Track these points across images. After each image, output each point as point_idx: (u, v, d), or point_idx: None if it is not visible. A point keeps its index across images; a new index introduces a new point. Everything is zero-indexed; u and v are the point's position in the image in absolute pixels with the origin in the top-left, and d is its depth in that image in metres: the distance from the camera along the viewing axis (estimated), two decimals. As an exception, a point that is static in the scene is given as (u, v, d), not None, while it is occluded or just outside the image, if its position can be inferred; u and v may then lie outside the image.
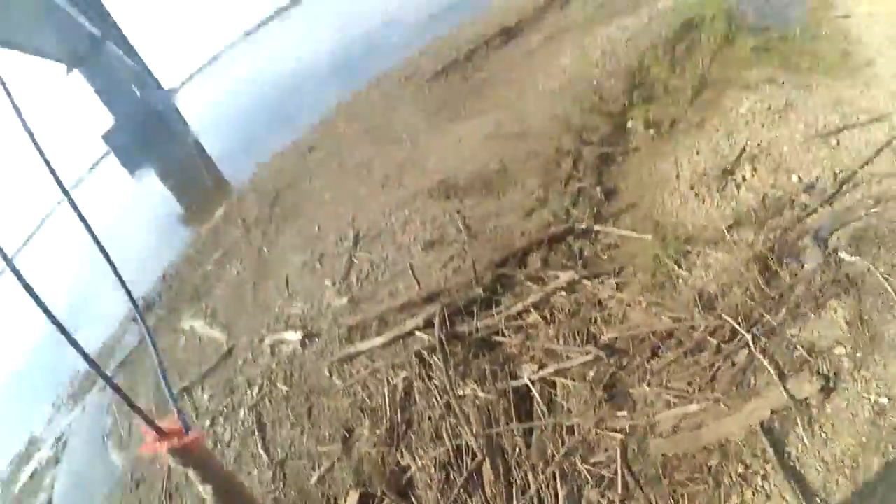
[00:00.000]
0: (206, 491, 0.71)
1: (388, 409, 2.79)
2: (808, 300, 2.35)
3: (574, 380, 2.41)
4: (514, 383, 2.52)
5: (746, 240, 2.58)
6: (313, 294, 4.42)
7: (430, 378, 2.71)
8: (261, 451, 3.25)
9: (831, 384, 2.27)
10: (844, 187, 2.59)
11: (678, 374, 2.36)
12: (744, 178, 2.99)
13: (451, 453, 2.51)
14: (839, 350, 2.33)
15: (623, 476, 2.31)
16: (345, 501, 2.65)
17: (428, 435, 2.59)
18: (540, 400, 2.44)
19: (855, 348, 2.31)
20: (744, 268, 2.44)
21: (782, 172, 2.75)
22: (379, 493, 2.57)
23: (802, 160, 2.76)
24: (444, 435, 2.56)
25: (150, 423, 0.74)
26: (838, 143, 2.76)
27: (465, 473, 2.46)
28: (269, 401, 3.68)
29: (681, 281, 2.56)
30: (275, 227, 6.01)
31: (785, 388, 2.26)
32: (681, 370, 2.37)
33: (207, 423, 3.91)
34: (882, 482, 2.18)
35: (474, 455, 2.47)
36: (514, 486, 2.42)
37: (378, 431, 2.76)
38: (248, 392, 3.89)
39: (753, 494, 2.26)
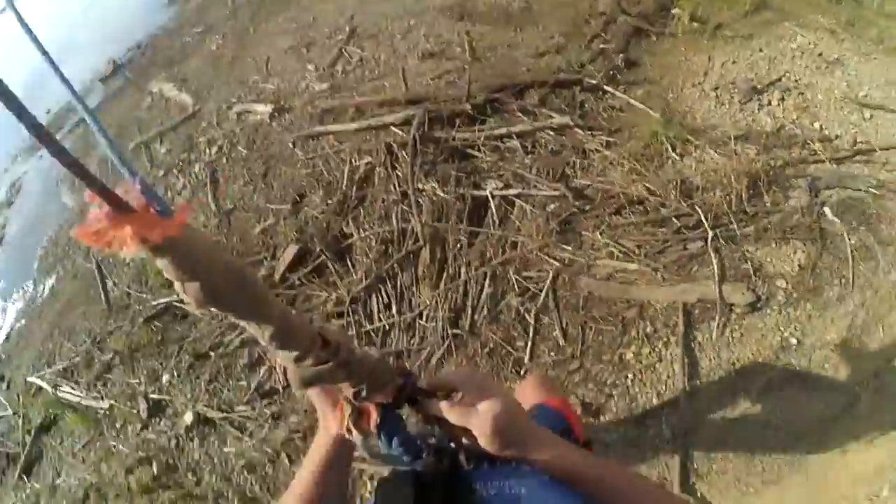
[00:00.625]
0: (188, 290, 0.43)
1: (344, 184, 2.73)
2: (777, 230, 2.40)
3: (534, 207, 2.40)
4: (475, 192, 2.50)
5: (748, 154, 2.53)
6: (293, 75, 4.15)
7: (393, 168, 2.64)
8: (210, 202, 3.19)
9: (759, 305, 2.40)
10: (858, 157, 2.53)
11: (632, 236, 2.41)
12: (769, 103, 2.88)
13: (395, 233, 2.56)
14: (780, 283, 2.42)
15: (547, 295, 2.40)
16: (283, 252, 2.69)
17: (377, 214, 2.61)
18: (495, 213, 2.44)
19: (794, 289, 2.40)
20: (734, 176, 2.41)
21: (807, 115, 2.66)
22: (317, 251, 2.62)
23: (831, 115, 2.67)
24: (393, 217, 2.60)
25: (103, 191, 0.35)
26: (871, 118, 2.67)
27: (403, 252, 2.53)
28: (227, 160, 3.57)
29: (670, 161, 2.52)
30: (266, 11, 5.45)
31: (720, 287, 2.35)
32: (636, 234, 2.41)
33: (161, 173, 3.80)
34: (751, 398, 2.38)
35: (417, 240, 2.53)
36: (445, 272, 2.52)
37: (329, 201, 2.74)
38: (207, 150, 3.74)
39: (650, 352, 2.42)
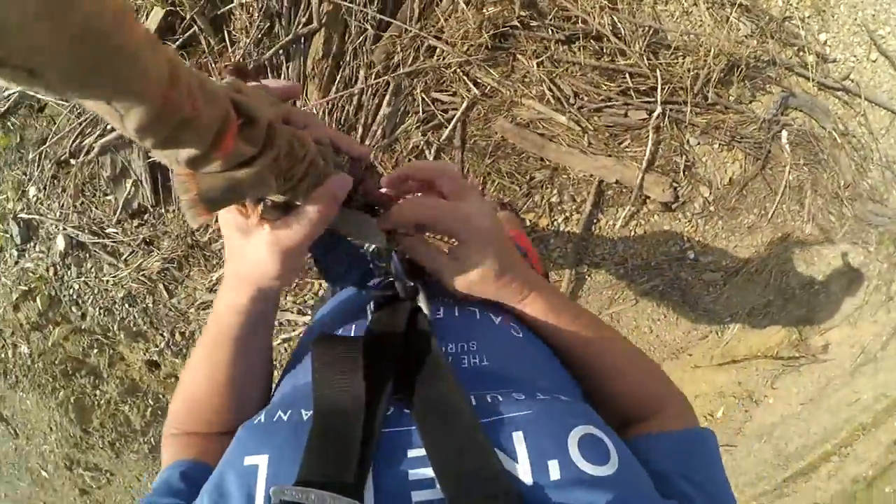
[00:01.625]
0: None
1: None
2: (727, 132, 2.11)
3: (468, 5, 1.87)
4: (398, -40, 1.89)
5: (740, 31, 2.09)
6: None
7: None
8: None
9: (673, 206, 2.19)
10: (840, 94, 2.17)
11: (572, 80, 1.99)
12: None
13: (285, 5, 1.95)
14: (704, 190, 2.21)
15: (454, 128, 2.01)
16: (145, 18, 2.06)
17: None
18: (416, 4, 1.87)
19: (715, 202, 2.22)
20: (714, 50, 1.97)
21: (819, 20, 2.22)
22: (188, 18, 2.01)
23: (841, 35, 2.24)
24: None
25: None
26: (875, 61, 2.24)
27: (292, 34, 1.96)
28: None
29: (650, 2, 2.00)
30: None
31: (642, 176, 2.05)
32: (579, 79, 1.99)
33: None
34: (631, 298, 2.39)
35: (310, 22, 1.95)
36: (340, 73, 2.01)
37: None
38: None
39: (548, 224, 2.16)
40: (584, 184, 2.11)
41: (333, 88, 2.01)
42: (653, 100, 2.00)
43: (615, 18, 1.91)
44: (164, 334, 2.45)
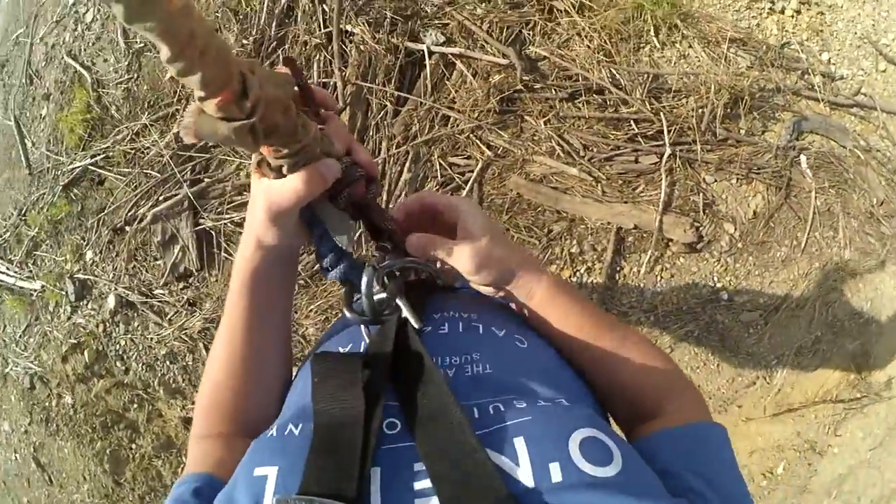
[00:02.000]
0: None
1: (263, 19, 2.22)
2: (742, 165, 2.08)
3: (475, 75, 2.00)
4: (411, 45, 2.05)
5: (739, 65, 2.12)
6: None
7: (321, 1, 2.13)
8: (119, 39, 2.66)
9: (699, 246, 2.13)
10: (855, 109, 2.16)
11: (580, 133, 2.05)
12: (782, 11, 2.40)
13: None
14: (729, 227, 2.15)
15: (471, 189, 2.11)
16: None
17: (297, 61, 2.10)
18: (430, 75, 2.02)
19: (742, 238, 2.14)
20: (714, 87, 2.02)
21: (819, 40, 2.23)
22: None
23: (844, 51, 2.25)
24: (315, 67, 2.19)
25: None
26: (885, 71, 2.23)
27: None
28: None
29: (648, 48, 2.09)
30: None
31: (662, 217, 2.05)
32: (585, 132, 2.06)
33: (71, 1, 3.10)
34: (666, 346, 2.25)
35: (337, 102, 2.09)
36: (364, 146, 2.09)
37: (245, 41, 2.27)
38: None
39: (570, 276, 2.14)
40: (602, 232, 2.12)
41: None
42: (661, 143, 2.04)
43: (613, 71, 2.00)
44: None
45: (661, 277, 2.17)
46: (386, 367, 0.51)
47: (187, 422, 2.61)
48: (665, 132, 2.02)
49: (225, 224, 2.37)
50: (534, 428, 0.44)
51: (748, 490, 0.51)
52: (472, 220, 0.60)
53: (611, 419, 0.66)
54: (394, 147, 2.13)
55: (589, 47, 1.97)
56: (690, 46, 2.08)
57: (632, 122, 2.03)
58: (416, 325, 0.56)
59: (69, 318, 2.75)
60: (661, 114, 2.02)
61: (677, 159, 2.06)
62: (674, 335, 2.22)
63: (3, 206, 3.01)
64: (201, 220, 2.39)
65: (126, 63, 2.64)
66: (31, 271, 2.90)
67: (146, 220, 2.42)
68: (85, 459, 2.82)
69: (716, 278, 2.17)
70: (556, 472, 0.40)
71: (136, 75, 2.61)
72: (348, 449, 0.42)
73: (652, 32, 2.01)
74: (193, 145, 2.36)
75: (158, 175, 2.41)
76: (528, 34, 2.01)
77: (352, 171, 0.57)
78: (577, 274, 2.14)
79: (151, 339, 2.53)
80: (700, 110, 2.03)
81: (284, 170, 0.49)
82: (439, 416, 0.44)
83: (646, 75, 2.01)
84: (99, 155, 2.55)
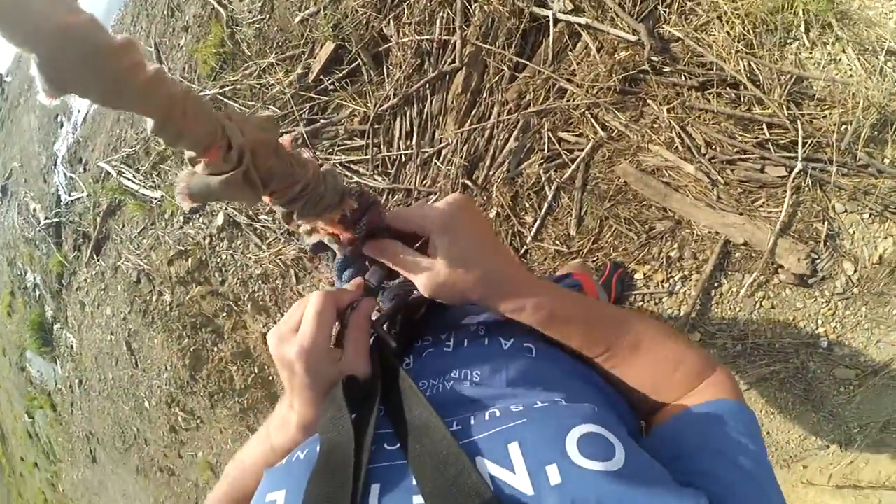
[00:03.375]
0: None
1: (388, -27, 2.25)
2: (879, 200, 1.83)
3: (601, 49, 1.90)
4: (537, 10, 1.99)
5: (894, 82, 1.89)
6: None
7: (446, -41, 2.14)
8: None
9: (809, 281, 1.92)
10: None
11: (704, 129, 1.90)
12: None
13: (434, 46, 2.19)
14: (848, 267, 1.91)
15: (577, 169, 2.03)
16: (320, 50, 2.47)
17: (420, 17, 2.23)
18: (552, 44, 1.94)
19: (860, 282, 1.89)
20: (864, 103, 1.81)
21: None
22: (353, 52, 2.35)
23: None
24: (436, 25, 2.17)
25: None
26: None
27: (437, 71, 2.18)
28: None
29: (795, 45, 1.87)
30: None
31: (777, 239, 1.88)
32: (711, 128, 1.91)
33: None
34: (745, 382, 2.08)
35: (454, 61, 2.15)
36: (475, 108, 2.17)
37: None
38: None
39: (663, 281, 2.01)
40: (708, 241, 1.95)
41: (468, 121, 2.16)
42: (793, 155, 1.85)
43: (753, 64, 1.83)
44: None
45: (761, 306, 1.98)
46: (375, 390, 0.54)
47: (266, 338, 2.84)
48: (800, 144, 1.83)
49: (333, 164, 2.44)
50: (528, 431, 0.44)
51: (770, 469, 0.49)
52: (440, 243, 0.57)
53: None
54: (504, 113, 2.09)
55: (729, 34, 1.82)
56: (843, 51, 1.87)
57: (764, 125, 1.86)
58: (392, 345, 0.61)
59: (181, 228, 3.03)
60: (799, 122, 1.83)
61: (808, 177, 1.86)
62: (757, 371, 2.04)
63: (137, 121, 3.31)
64: None
65: (259, 4, 2.80)
66: (154, 182, 3.20)
67: None
68: (170, 352, 3.16)
69: (819, 321, 1.96)
70: (553, 475, 0.40)
71: (268, 16, 2.75)
72: (343, 468, 0.44)
73: (802, 28, 1.82)
74: (316, 85, 2.46)
75: (278, 111, 2.53)
76: (664, 11, 1.88)
77: (365, 199, 0.57)
78: (671, 281, 1.99)
79: (249, 258, 2.75)
80: (843, 126, 1.83)
81: (295, 216, 0.50)
82: (424, 431, 0.46)
83: (788, 75, 1.83)
84: (228, 86, 2.73)
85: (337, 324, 0.57)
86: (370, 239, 0.59)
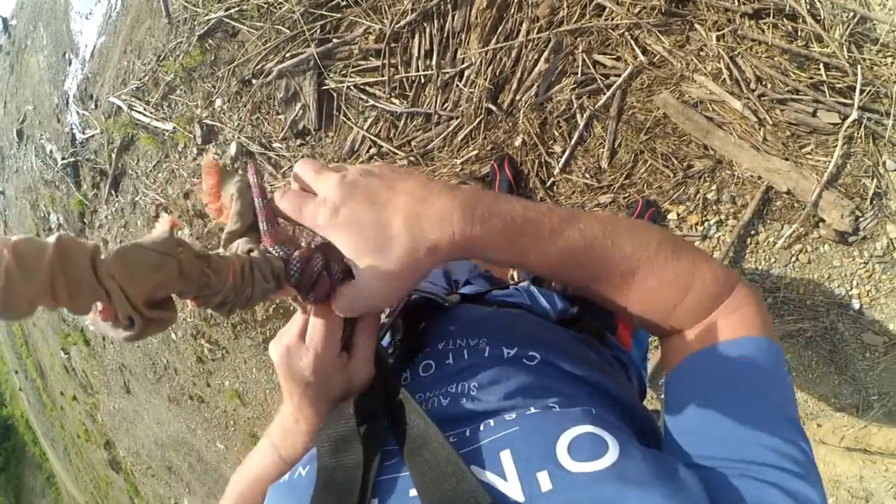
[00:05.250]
0: None
1: None
2: None
3: (653, -37, 1.75)
4: None
5: None
6: None
7: None
8: None
9: (850, 239, 1.85)
10: None
11: (756, 62, 1.82)
12: None
13: None
14: (892, 229, 1.83)
15: (612, 96, 1.92)
16: None
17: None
18: None
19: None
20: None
21: None
22: None
23: None
24: None
25: None
26: None
27: None
28: None
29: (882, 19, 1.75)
30: None
31: (822, 190, 1.79)
32: (763, 61, 1.82)
33: None
34: (776, 323, 2.00)
35: None
36: (502, 25, 2.03)
37: None
38: None
39: (697, 223, 1.92)
40: (748, 185, 1.87)
41: (493, 40, 2.02)
42: (849, 102, 1.75)
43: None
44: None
45: (797, 259, 1.93)
46: (380, 406, 0.54)
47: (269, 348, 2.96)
48: (857, 90, 1.72)
49: (347, 87, 2.35)
50: (519, 439, 0.44)
51: (796, 419, 0.46)
52: (345, 251, 0.49)
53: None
54: (535, 31, 1.95)
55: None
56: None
57: (821, 65, 1.74)
58: (389, 361, 0.62)
59: (194, 160, 3.01)
60: (859, 67, 1.72)
61: (861, 128, 1.76)
62: (786, 327, 2.01)
63: (144, 53, 3.26)
64: (325, 81, 2.40)
65: None
66: (164, 113, 3.16)
67: (272, 75, 2.49)
68: None
69: (854, 282, 1.91)
70: (544, 481, 0.40)
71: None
72: (348, 486, 0.45)
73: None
74: (327, 1, 2.33)
75: (288, 31, 2.43)
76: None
77: (308, 273, 0.49)
78: (706, 224, 1.93)
79: (265, 187, 2.74)
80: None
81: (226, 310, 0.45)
82: (423, 442, 0.46)
83: (852, 14, 1.70)
84: (233, 7, 2.63)
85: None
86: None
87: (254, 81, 2.59)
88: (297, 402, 0.55)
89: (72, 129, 4.16)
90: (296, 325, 0.55)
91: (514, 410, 0.49)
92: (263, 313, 3.10)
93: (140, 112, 3.26)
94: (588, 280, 0.52)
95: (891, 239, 1.85)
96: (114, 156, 3.56)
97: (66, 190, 4.34)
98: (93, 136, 3.85)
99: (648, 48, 1.85)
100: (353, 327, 0.56)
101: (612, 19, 1.85)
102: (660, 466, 0.40)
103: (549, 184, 2.07)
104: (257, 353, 3.33)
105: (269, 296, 0.47)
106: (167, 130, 3.12)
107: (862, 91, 1.72)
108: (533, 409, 0.48)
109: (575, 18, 1.89)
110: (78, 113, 4.06)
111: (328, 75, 2.36)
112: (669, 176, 1.90)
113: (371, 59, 2.28)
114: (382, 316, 0.68)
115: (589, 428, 0.43)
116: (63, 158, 4.25)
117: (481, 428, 0.47)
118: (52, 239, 0.30)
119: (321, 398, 0.54)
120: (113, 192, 3.69)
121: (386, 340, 0.72)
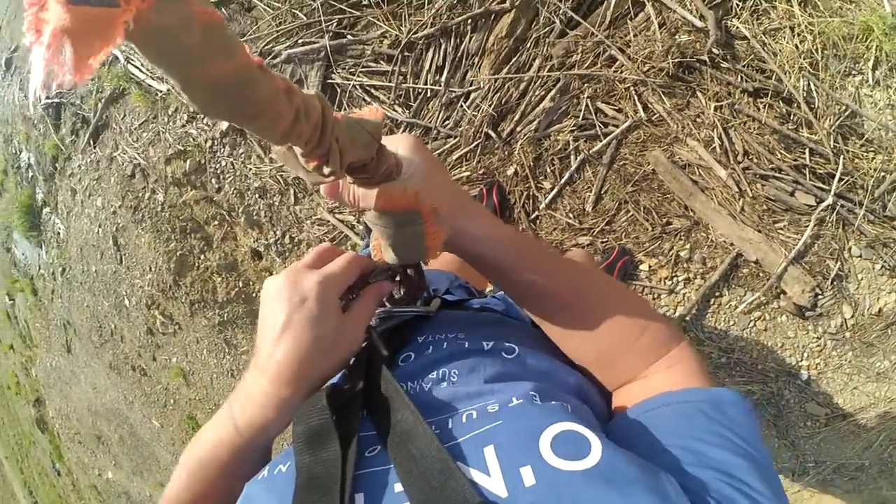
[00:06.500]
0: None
1: None
2: (892, 255, 1.87)
3: (662, 26, 1.87)
4: (603, -32, 1.93)
5: None
6: None
7: None
8: None
9: (807, 314, 1.97)
10: None
11: (747, 136, 1.92)
12: None
13: None
14: (847, 311, 1.95)
15: (608, 144, 2.01)
16: None
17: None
18: (612, 7, 1.93)
19: (855, 329, 1.96)
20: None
21: None
22: None
23: None
24: None
25: None
26: None
27: (484, 8, 2.08)
28: None
29: (858, 79, 1.86)
30: None
31: (786, 267, 1.91)
32: (753, 137, 1.91)
33: None
34: (727, 383, 2.11)
35: (504, 1, 2.06)
36: (515, 57, 2.09)
37: None
38: None
39: (666, 278, 1.99)
40: (720, 250, 1.96)
41: (505, 69, 2.08)
42: (827, 188, 1.86)
43: (813, 86, 1.81)
44: (277, 233, 2.70)
45: (755, 325, 2.04)
46: (358, 398, 0.54)
47: (255, 254, 2.83)
48: (836, 178, 1.84)
49: (353, 86, 2.35)
50: (502, 433, 0.45)
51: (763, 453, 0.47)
52: (414, 157, 0.55)
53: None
54: (546, 69, 2.03)
55: (797, 48, 1.79)
56: (918, 102, 1.87)
57: (807, 150, 1.86)
58: (384, 353, 0.59)
59: (183, 126, 2.94)
60: (841, 157, 1.84)
61: (834, 213, 1.88)
62: (735, 387, 2.10)
63: None
64: (332, 75, 2.39)
65: None
66: (162, 73, 3.02)
67: (280, 58, 2.46)
68: (156, 253, 3.13)
69: (806, 354, 2.03)
70: (528, 477, 0.40)
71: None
72: (328, 482, 0.44)
73: (870, 63, 1.81)
74: None
75: (304, 18, 2.41)
76: (737, 4, 1.83)
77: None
78: (675, 280, 2.01)
79: (250, 169, 2.68)
80: (882, 174, 1.84)
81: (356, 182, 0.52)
82: (410, 436, 0.46)
83: (844, 107, 1.82)
84: None
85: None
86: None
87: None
88: (278, 337, 0.54)
89: (62, 68, 4.04)
90: (309, 259, 0.58)
91: (493, 397, 0.50)
92: (225, 294, 3.02)
93: (137, 67, 3.15)
94: (552, 302, 0.60)
95: (845, 319, 1.96)
96: (100, 105, 3.40)
97: (43, 130, 4.12)
98: (81, 81, 3.74)
99: (650, 106, 1.95)
100: (360, 292, 0.59)
101: (621, 72, 1.94)
102: (643, 469, 0.41)
103: (533, 217, 2.13)
104: (211, 335, 3.24)
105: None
106: (161, 91, 3.04)
107: (841, 179, 1.84)
108: (515, 400, 0.49)
109: (587, 64, 1.98)
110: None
111: (336, 70, 2.36)
112: (648, 229, 1.99)
113: (382, 62, 2.29)
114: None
115: (571, 426, 0.43)
116: (47, 97, 4.02)
117: (464, 420, 0.48)
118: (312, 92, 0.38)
119: (303, 343, 0.53)
120: (91, 143, 3.53)
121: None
